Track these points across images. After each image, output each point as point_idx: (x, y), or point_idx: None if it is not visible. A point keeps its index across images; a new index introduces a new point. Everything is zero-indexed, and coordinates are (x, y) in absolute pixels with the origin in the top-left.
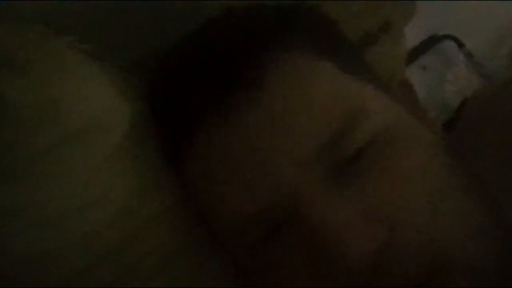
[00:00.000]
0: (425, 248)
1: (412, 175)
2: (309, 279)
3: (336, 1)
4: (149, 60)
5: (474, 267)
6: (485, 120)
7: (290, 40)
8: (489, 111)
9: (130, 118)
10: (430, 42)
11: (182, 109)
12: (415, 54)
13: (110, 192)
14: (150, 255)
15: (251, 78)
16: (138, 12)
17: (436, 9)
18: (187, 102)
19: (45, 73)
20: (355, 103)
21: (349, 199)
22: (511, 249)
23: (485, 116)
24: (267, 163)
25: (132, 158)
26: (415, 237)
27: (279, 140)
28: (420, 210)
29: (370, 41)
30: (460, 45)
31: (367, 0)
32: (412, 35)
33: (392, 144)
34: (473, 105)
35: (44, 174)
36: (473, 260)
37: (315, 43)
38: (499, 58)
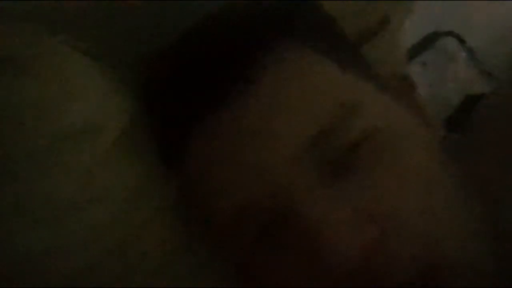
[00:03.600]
0: (420, 247)
1: (407, 174)
2: (303, 278)
3: None
4: (147, 58)
5: (472, 267)
6: (496, 121)
7: (289, 36)
8: (500, 112)
9: (128, 116)
10: (431, 39)
11: (178, 105)
12: (416, 50)
13: (109, 191)
14: (150, 254)
15: (247, 74)
16: (136, 11)
17: (438, 7)
18: (183, 99)
19: (41, 72)
20: (350, 99)
21: (340, 197)
22: (509, 250)
23: (497, 118)
24: (260, 157)
25: (131, 157)
26: (409, 236)
27: (269, 134)
28: (415, 209)
29: (369, 36)
30: (462, 41)
31: None
32: (414, 32)
33: (388, 142)
34: (485, 105)
35: (42, 173)
36: (470, 260)
37: (313, 40)
38: (500, 56)
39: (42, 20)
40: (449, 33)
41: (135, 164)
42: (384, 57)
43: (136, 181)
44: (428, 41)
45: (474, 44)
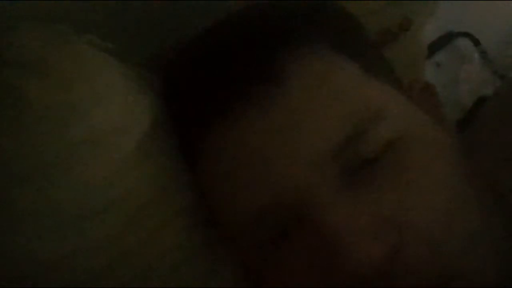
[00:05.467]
0: (437, 258)
1: (428, 183)
2: (317, 282)
3: None
4: (169, 56)
5: (488, 279)
6: (502, 120)
7: (312, 37)
8: (506, 111)
9: (149, 119)
10: (445, 40)
11: (198, 106)
12: (430, 51)
13: (128, 193)
14: (167, 255)
15: (269, 75)
16: (155, 9)
17: (452, 7)
18: (203, 100)
19: (66, 74)
20: (374, 104)
21: (361, 203)
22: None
23: (502, 116)
24: (283, 160)
25: (151, 159)
26: (427, 246)
27: (294, 138)
28: (434, 219)
29: (390, 37)
30: (476, 43)
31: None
32: (427, 32)
33: (411, 150)
34: (491, 104)
35: (63, 176)
36: (488, 272)
37: (337, 41)
38: (510, 57)
39: (68, 20)
40: (463, 34)
41: (156, 166)
42: (405, 59)
43: (155, 183)
44: (442, 42)
45: (487, 46)
